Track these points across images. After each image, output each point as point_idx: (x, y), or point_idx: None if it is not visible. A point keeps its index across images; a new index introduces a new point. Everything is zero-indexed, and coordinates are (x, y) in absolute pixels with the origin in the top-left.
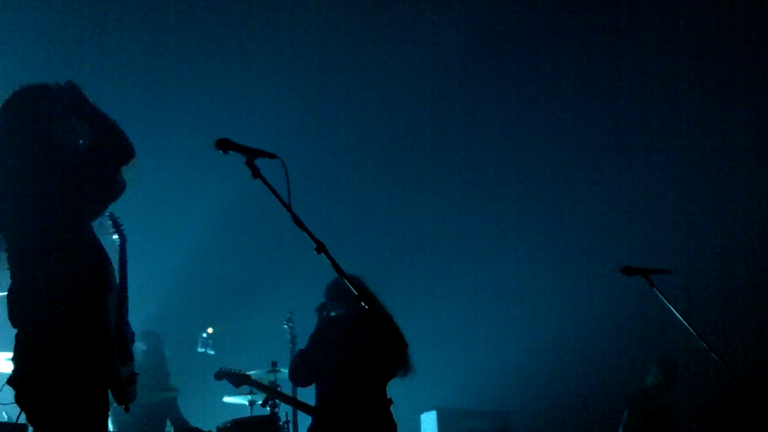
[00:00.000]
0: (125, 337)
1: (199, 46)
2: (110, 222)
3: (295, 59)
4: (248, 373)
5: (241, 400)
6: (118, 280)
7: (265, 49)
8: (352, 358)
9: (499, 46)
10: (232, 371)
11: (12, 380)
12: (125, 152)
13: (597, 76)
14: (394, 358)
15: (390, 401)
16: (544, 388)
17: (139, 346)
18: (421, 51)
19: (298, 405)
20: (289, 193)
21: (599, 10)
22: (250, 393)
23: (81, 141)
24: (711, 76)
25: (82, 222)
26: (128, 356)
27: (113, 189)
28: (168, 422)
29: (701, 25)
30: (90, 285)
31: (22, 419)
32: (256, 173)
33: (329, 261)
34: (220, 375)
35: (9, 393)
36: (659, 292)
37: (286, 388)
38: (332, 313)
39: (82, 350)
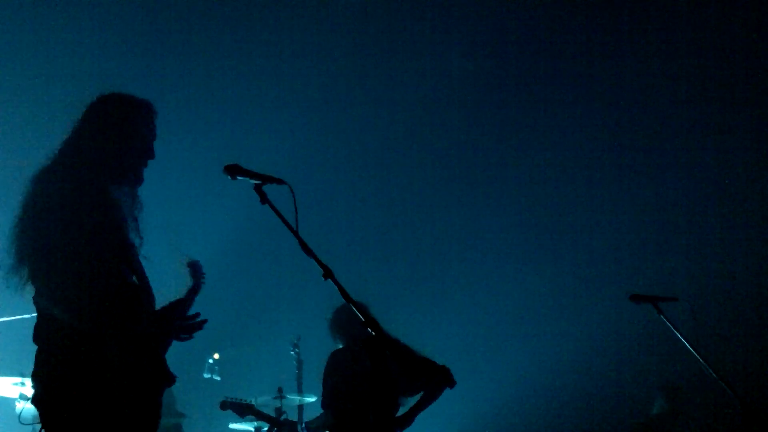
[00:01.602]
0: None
1: (208, 72)
2: (189, 269)
3: (302, 84)
4: (255, 399)
5: (247, 426)
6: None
7: (274, 74)
8: (359, 386)
9: (504, 72)
10: (237, 401)
11: (36, 400)
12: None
13: (605, 101)
14: (408, 380)
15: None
16: (553, 415)
17: None
18: (425, 72)
19: None
20: (296, 219)
21: (606, 14)
22: (256, 420)
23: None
24: (723, 101)
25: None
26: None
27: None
28: None
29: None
30: (99, 310)
31: None
32: (264, 199)
33: (336, 287)
34: (225, 405)
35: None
36: (667, 320)
37: (292, 415)
38: (339, 345)
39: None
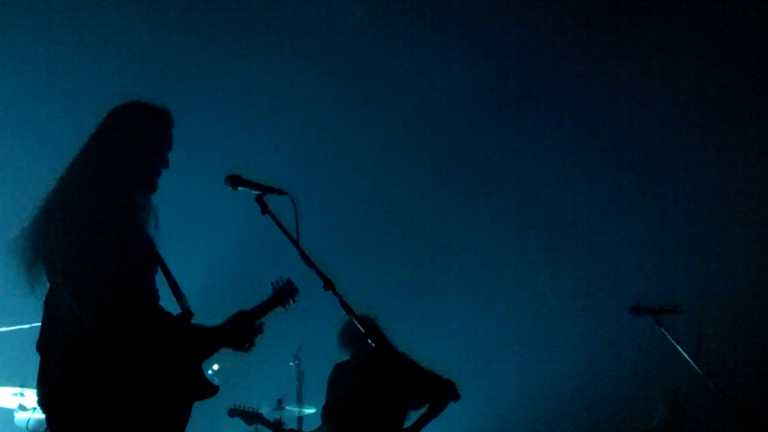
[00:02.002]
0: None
1: (209, 80)
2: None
3: (304, 93)
4: (255, 410)
5: None
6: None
7: (275, 82)
8: (360, 398)
9: (506, 75)
10: (245, 409)
11: (42, 406)
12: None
13: (607, 110)
14: (412, 393)
15: None
16: (555, 424)
17: None
18: (427, 79)
19: None
20: (297, 230)
21: (606, 15)
22: (256, 430)
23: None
24: (727, 106)
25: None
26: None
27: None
28: None
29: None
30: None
31: None
32: (265, 210)
33: (337, 298)
34: (233, 413)
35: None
36: (666, 333)
37: (292, 426)
38: (345, 357)
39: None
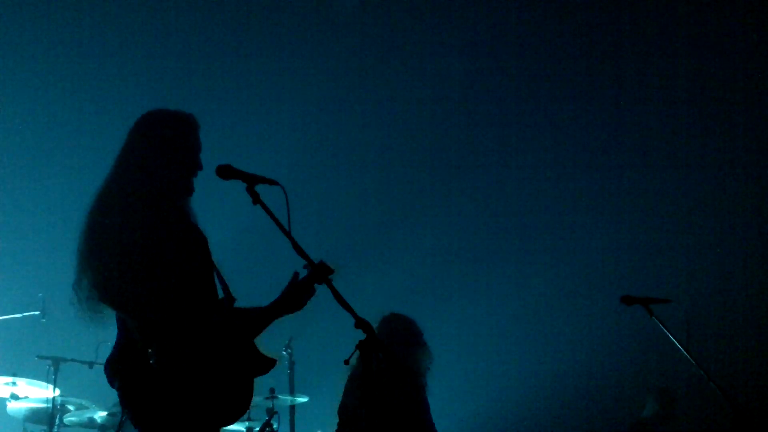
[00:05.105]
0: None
1: (202, 72)
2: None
3: (298, 85)
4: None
5: (238, 426)
6: None
7: (271, 75)
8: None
9: (502, 73)
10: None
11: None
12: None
13: (599, 105)
14: (397, 387)
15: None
16: (546, 416)
17: None
18: (424, 78)
19: None
20: (289, 220)
21: (605, 14)
22: (248, 420)
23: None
24: (717, 100)
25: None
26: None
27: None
28: None
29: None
30: None
31: None
32: (256, 200)
33: (329, 288)
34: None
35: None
36: (659, 322)
37: (284, 415)
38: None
39: None
